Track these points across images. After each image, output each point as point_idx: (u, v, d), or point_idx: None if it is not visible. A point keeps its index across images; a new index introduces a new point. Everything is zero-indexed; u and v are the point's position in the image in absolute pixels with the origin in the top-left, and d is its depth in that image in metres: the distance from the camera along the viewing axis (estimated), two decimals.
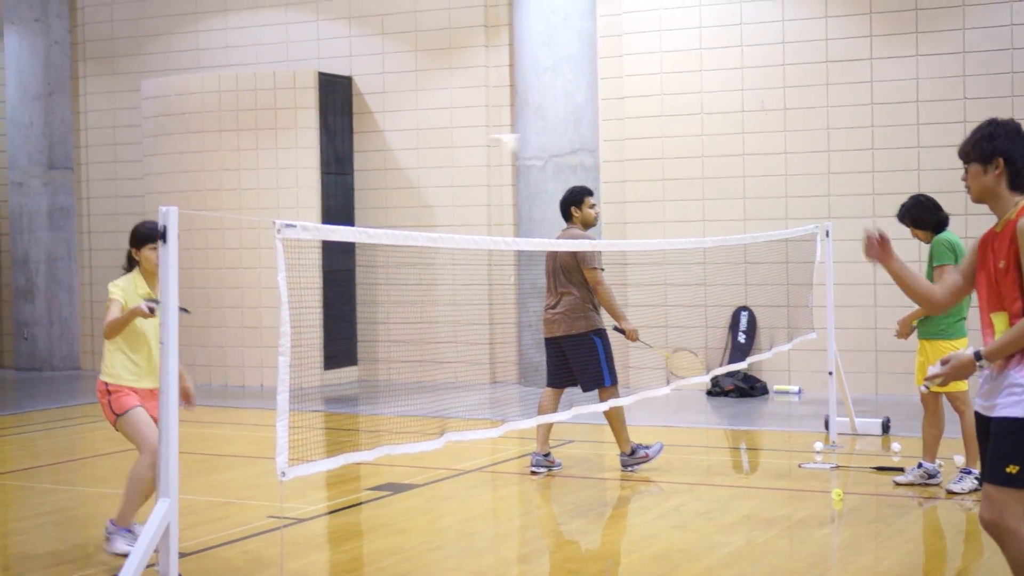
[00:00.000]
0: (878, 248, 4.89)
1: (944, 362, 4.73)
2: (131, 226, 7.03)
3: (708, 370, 10.10)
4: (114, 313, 6.69)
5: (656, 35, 14.43)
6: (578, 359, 9.05)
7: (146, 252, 6.81)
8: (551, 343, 9.23)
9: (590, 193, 9.31)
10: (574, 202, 9.22)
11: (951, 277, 4.98)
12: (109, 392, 6.83)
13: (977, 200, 4.78)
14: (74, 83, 17.97)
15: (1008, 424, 4.56)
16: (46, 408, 13.63)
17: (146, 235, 6.81)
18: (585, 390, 9.21)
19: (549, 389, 9.25)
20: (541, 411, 9.08)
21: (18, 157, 17.68)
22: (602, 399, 8.98)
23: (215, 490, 8.75)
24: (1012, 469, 4.52)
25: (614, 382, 9.08)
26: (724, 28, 14.15)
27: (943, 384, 4.83)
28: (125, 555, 6.50)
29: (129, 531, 6.77)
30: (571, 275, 9.05)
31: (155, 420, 6.70)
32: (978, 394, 4.75)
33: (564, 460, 9.52)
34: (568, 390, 9.38)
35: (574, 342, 9.06)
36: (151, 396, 6.81)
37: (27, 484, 9.35)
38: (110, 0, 17.81)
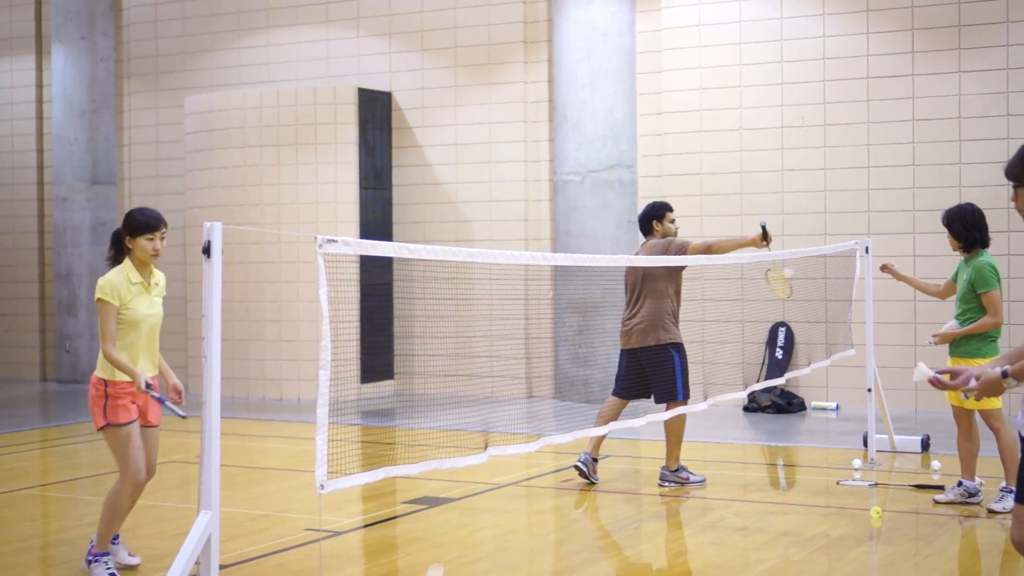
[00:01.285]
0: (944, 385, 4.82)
1: (977, 377, 4.72)
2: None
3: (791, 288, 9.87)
4: (111, 327, 6.42)
5: (696, 51, 14.43)
6: (655, 371, 9.08)
7: (142, 241, 6.57)
8: (628, 354, 9.26)
9: (671, 208, 9.44)
10: (656, 216, 9.34)
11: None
12: (107, 395, 6.55)
13: None
14: (118, 99, 18.18)
15: None
16: (88, 420, 13.75)
17: (145, 223, 6.59)
18: (658, 402, 9.24)
19: (614, 398, 9.28)
20: (601, 418, 9.11)
21: (63, 172, 17.90)
22: (668, 409, 9.01)
23: (254, 503, 8.81)
24: None
25: (686, 397, 9.11)
26: (764, 44, 14.13)
27: (977, 399, 4.80)
28: None
29: (108, 554, 6.62)
30: (655, 284, 9.08)
31: (145, 417, 6.68)
32: (1020, 414, 4.72)
33: (601, 474, 9.51)
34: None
35: (652, 353, 9.09)
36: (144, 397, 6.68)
37: (70, 495, 9.46)
38: (154, 18, 18.03)
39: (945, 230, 8.34)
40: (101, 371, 6.60)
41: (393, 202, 16.00)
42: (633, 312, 9.20)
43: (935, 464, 9.72)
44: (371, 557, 7.42)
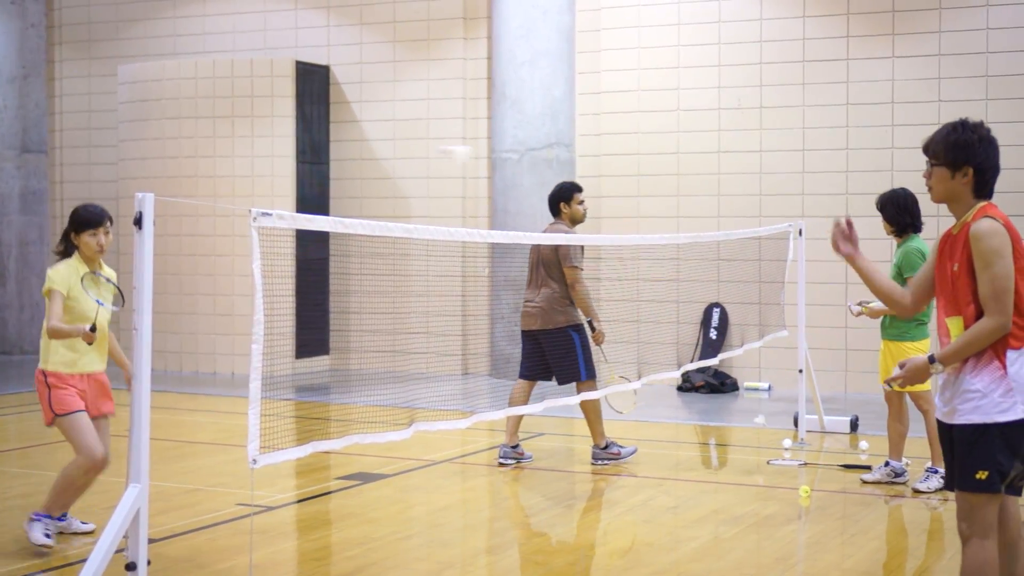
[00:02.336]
0: (846, 236, 4.92)
1: (902, 365, 4.79)
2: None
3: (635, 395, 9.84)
4: (57, 309, 6.45)
5: (634, 31, 14.46)
6: (555, 353, 9.09)
7: (85, 238, 6.64)
8: (528, 336, 9.26)
9: (579, 189, 9.35)
10: (563, 198, 9.26)
11: (918, 280, 5.01)
12: (48, 385, 6.60)
13: (938, 201, 4.81)
14: (49, 67, 17.86)
15: (970, 431, 4.59)
16: (17, 392, 13.56)
17: (87, 219, 6.65)
18: (561, 383, 9.26)
19: (522, 381, 9.28)
20: (512, 403, 9.11)
21: None
22: (579, 392, 9.03)
23: (185, 477, 8.74)
24: (982, 475, 4.56)
25: (590, 376, 9.12)
26: (702, 26, 14.20)
27: (903, 386, 4.88)
28: (42, 545, 6.58)
29: (49, 516, 6.68)
30: (551, 270, 9.08)
31: (90, 411, 6.67)
32: (937, 399, 4.79)
33: (534, 452, 9.55)
34: (541, 383, 9.41)
35: (551, 336, 9.10)
36: (89, 380, 6.72)
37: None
38: None
39: (878, 214, 8.44)
40: (42, 362, 6.67)
41: (330, 177, 15.89)
42: (533, 295, 9.21)
43: (863, 444, 9.86)
44: (303, 532, 7.40)
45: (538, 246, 9.14)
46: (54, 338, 6.52)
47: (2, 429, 11.54)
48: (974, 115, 4.95)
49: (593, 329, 9.12)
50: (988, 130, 4.72)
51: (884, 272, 5.19)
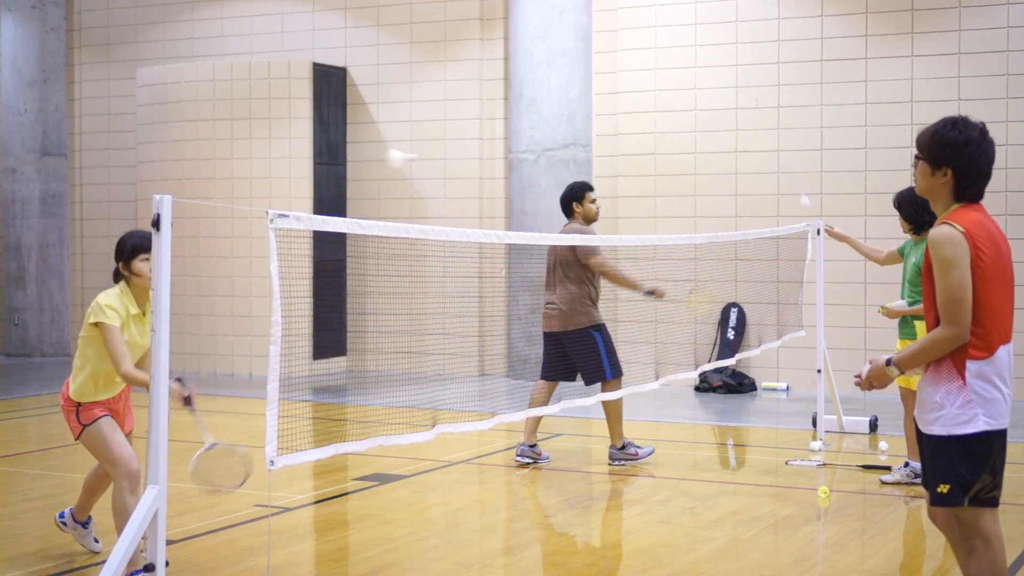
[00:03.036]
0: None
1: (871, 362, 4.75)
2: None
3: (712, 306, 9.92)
4: (121, 347, 5.96)
5: (651, 31, 14.45)
6: (579, 354, 9.09)
7: (138, 265, 6.07)
8: (549, 337, 9.26)
9: (591, 188, 9.36)
10: (575, 198, 9.27)
11: None
12: (79, 411, 6.26)
13: (921, 193, 4.72)
14: (69, 70, 17.94)
15: (933, 443, 4.54)
16: (37, 394, 13.63)
17: (137, 246, 6.09)
18: (588, 384, 9.25)
19: (542, 382, 9.28)
20: (532, 403, 9.11)
21: (12, 143, 17.66)
22: (603, 390, 9.03)
23: None
24: (943, 488, 4.50)
25: (616, 375, 9.12)
26: (719, 25, 14.17)
27: (864, 388, 4.80)
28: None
29: (151, 569, 5.86)
30: (569, 270, 9.08)
31: (122, 425, 6.39)
32: (917, 406, 4.71)
33: (552, 453, 9.55)
34: (561, 384, 9.40)
35: (573, 337, 9.10)
36: (120, 400, 6.43)
37: (17, 470, 9.36)
38: None
39: (896, 212, 8.41)
40: (75, 394, 6.26)
41: (347, 178, 15.92)
42: (552, 296, 9.21)
43: (882, 445, 9.83)
44: (321, 533, 7.41)
45: (555, 247, 9.14)
46: (128, 383, 6.15)
47: (23, 431, 11.60)
48: (995, 114, 4.92)
49: (652, 294, 9.07)
50: (982, 134, 4.56)
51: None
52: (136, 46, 17.54)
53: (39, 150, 17.61)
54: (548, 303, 9.24)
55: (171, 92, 15.64)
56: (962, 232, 4.45)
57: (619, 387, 9.10)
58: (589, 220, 9.29)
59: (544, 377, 9.29)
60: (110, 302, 6.09)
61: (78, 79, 17.98)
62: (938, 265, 4.45)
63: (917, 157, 4.67)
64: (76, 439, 6.34)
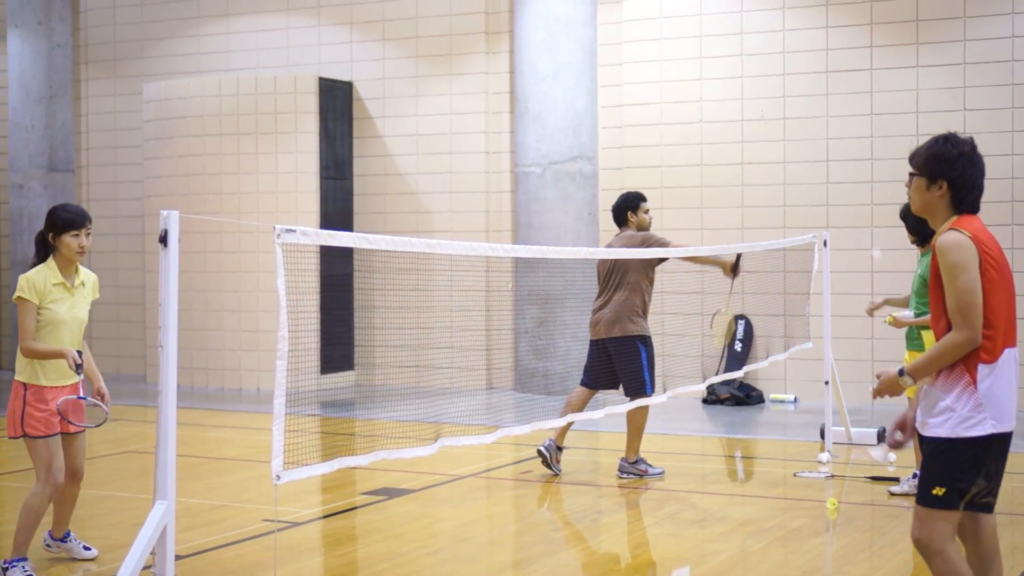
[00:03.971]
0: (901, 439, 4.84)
1: (879, 376, 4.76)
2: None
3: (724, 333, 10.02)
4: (29, 322, 6.21)
5: (656, 44, 14.46)
6: (622, 364, 9.09)
7: (67, 239, 6.35)
8: (596, 344, 9.26)
9: (644, 199, 9.49)
10: (630, 207, 9.39)
11: None
12: (26, 401, 6.34)
13: (916, 212, 4.81)
14: (76, 86, 18.00)
15: (936, 444, 4.56)
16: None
17: (68, 222, 6.36)
18: (628, 395, 9.24)
19: (582, 388, 9.28)
20: (568, 407, 9.10)
21: (19, 159, 17.69)
22: (633, 399, 9.04)
23: (211, 493, 8.77)
24: (938, 491, 4.53)
25: (653, 391, 9.14)
26: (725, 37, 14.18)
27: (874, 397, 4.84)
28: None
29: (24, 559, 6.41)
30: (627, 276, 9.09)
31: (66, 423, 6.44)
32: (921, 413, 4.75)
33: (561, 465, 9.52)
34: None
35: (618, 344, 9.10)
36: (70, 391, 6.47)
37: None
38: (112, 4, 17.86)
39: (902, 224, 8.40)
40: (20, 374, 6.40)
41: (354, 192, 15.94)
42: (603, 303, 9.22)
43: (891, 456, 9.80)
44: (329, 548, 7.40)
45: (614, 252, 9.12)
46: (29, 357, 6.31)
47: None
48: (1000, 124, 4.95)
49: (737, 266, 9.18)
50: (972, 147, 4.69)
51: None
52: (142, 62, 17.60)
53: (46, 166, 17.65)
54: (596, 311, 9.25)
55: (177, 107, 15.68)
56: (969, 237, 4.54)
57: (648, 403, 9.09)
58: (642, 229, 9.38)
59: (585, 384, 9.30)
60: (29, 275, 6.35)
61: (85, 95, 18.03)
62: (948, 270, 4.50)
63: (912, 175, 4.75)
64: (13, 437, 6.44)
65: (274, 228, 5.38)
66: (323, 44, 16.35)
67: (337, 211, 15.54)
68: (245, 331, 15.29)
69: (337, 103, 15.69)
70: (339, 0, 16.28)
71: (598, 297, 9.32)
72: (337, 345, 15.33)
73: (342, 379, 15.42)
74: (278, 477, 5.42)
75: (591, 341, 9.34)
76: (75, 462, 6.70)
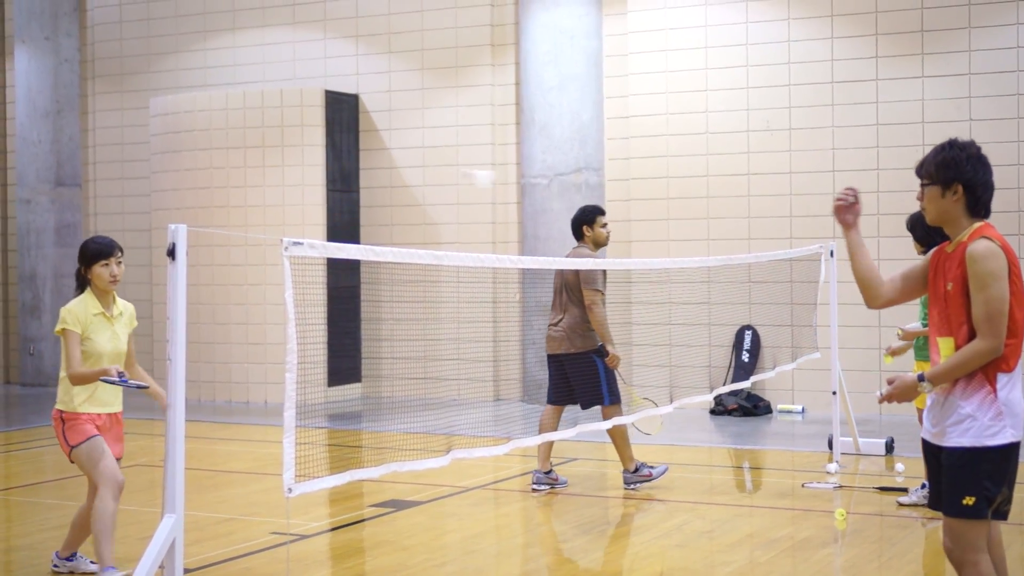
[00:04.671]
0: (850, 206, 4.92)
1: (891, 381, 4.74)
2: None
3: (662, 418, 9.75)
4: (75, 351, 6.36)
5: (662, 55, 14.49)
6: (578, 377, 9.08)
7: (97, 269, 6.49)
8: (553, 360, 9.26)
9: (602, 212, 9.35)
10: (586, 221, 9.25)
11: (904, 276, 4.93)
12: (63, 420, 6.50)
13: (933, 222, 4.78)
14: (83, 101, 18.06)
15: (959, 455, 4.54)
16: (51, 424, 13.63)
17: (97, 252, 6.50)
18: (584, 408, 9.25)
19: (550, 407, 9.27)
20: (542, 429, 9.10)
21: (26, 174, 17.76)
22: (605, 418, 9.00)
23: (219, 506, 8.77)
24: (968, 501, 4.51)
25: (614, 401, 9.09)
26: (730, 48, 14.20)
27: (888, 401, 4.80)
28: None
29: (112, 568, 6.38)
30: (574, 294, 9.08)
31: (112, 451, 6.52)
32: (925, 419, 4.74)
33: (567, 478, 9.52)
34: (570, 408, 9.40)
35: (575, 360, 9.09)
36: (112, 423, 6.59)
37: (33, 499, 9.38)
38: (119, 19, 17.93)
39: (909, 234, 8.40)
40: (59, 403, 6.55)
41: (360, 205, 15.97)
42: (557, 318, 9.21)
43: (899, 467, 9.79)
44: (338, 560, 7.40)
45: (562, 270, 9.15)
46: (77, 384, 6.40)
47: (38, 460, 11.62)
48: (1006, 134, 4.96)
49: (606, 354, 9.06)
50: (978, 148, 4.69)
51: (871, 256, 5.19)
52: (149, 76, 17.66)
53: (53, 180, 17.71)
54: (551, 325, 9.25)
55: (184, 121, 15.73)
56: (999, 246, 4.55)
57: (620, 412, 9.06)
58: (598, 244, 9.28)
59: (551, 402, 9.28)
60: (70, 307, 6.52)
61: (91, 109, 18.10)
62: (980, 278, 4.50)
63: (924, 186, 4.73)
64: (68, 457, 6.57)
65: (281, 241, 5.39)
66: (329, 57, 16.39)
67: (344, 223, 15.56)
68: (252, 344, 15.31)
69: (343, 116, 15.73)
70: (345, 13, 16.33)
71: (552, 312, 9.29)
72: (344, 357, 15.34)
73: (349, 391, 15.43)
74: (290, 490, 5.42)
75: (548, 356, 9.32)
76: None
